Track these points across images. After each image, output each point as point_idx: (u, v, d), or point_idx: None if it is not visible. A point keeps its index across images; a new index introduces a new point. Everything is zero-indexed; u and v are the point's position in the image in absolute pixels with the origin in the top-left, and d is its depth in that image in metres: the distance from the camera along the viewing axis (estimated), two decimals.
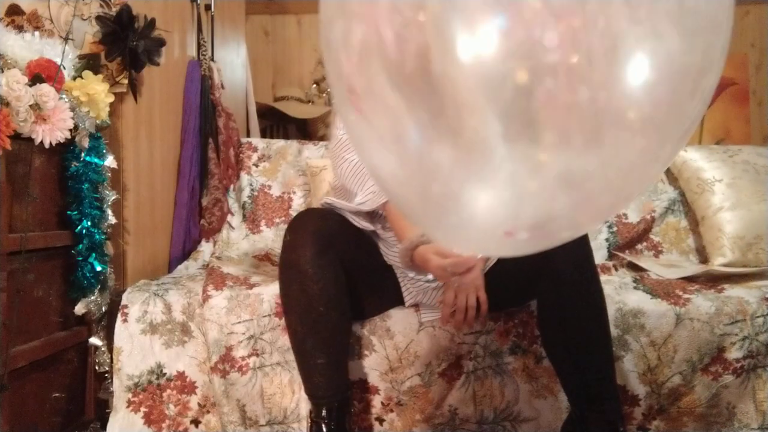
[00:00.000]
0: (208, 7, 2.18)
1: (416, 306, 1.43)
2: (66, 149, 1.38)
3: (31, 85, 1.23)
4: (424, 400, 1.41)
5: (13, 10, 1.44)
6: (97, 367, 1.48)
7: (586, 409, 1.22)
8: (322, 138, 3.06)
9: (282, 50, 3.35)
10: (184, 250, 1.93)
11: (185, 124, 1.96)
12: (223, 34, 2.38)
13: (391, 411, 1.42)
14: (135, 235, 1.67)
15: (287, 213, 2.09)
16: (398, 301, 1.42)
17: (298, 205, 2.11)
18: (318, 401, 1.27)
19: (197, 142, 1.99)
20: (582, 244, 1.22)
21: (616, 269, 1.76)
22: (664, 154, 0.55)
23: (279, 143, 2.28)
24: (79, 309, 1.43)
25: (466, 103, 0.49)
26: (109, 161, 1.47)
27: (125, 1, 1.51)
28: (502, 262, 1.29)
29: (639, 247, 1.98)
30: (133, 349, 1.44)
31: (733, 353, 1.38)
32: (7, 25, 1.40)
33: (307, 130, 3.18)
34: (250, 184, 2.14)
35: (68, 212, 1.39)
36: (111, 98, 1.47)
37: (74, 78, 1.42)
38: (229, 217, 2.08)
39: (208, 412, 1.45)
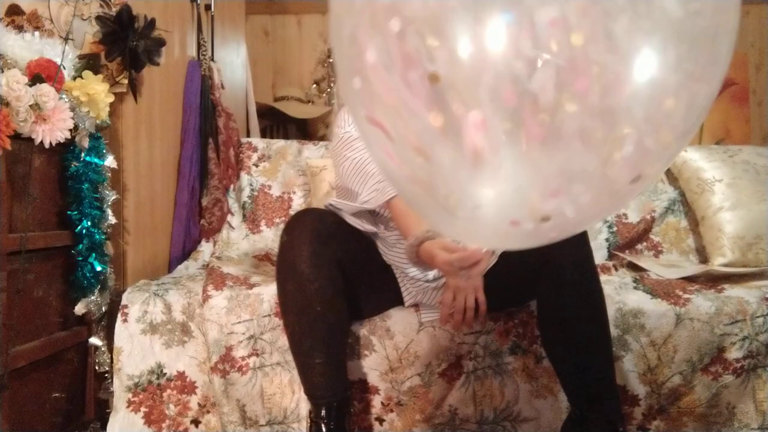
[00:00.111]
0: (208, 7, 2.18)
1: (416, 306, 1.43)
2: (66, 149, 1.38)
3: (31, 85, 1.23)
4: (424, 400, 1.41)
5: (13, 10, 1.44)
6: (97, 367, 1.48)
7: (586, 409, 1.22)
8: (322, 138, 3.06)
9: (282, 50, 3.35)
10: (184, 250, 1.93)
11: (185, 124, 1.96)
12: (223, 34, 2.38)
13: (391, 411, 1.42)
14: (135, 235, 1.67)
15: (287, 213, 2.09)
16: (398, 301, 1.42)
17: (298, 205, 2.11)
18: (317, 401, 1.27)
19: (197, 142, 1.99)
20: (582, 244, 1.22)
21: (616, 269, 1.76)
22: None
23: (279, 143, 2.28)
24: (79, 309, 1.43)
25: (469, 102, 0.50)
26: (109, 161, 1.47)
27: (125, 1, 1.51)
28: (502, 263, 1.29)
29: (639, 247, 1.98)
30: (133, 349, 1.44)
31: (733, 353, 1.38)
32: (7, 25, 1.40)
33: (307, 130, 3.19)
34: (250, 184, 2.14)
35: (68, 212, 1.39)
36: (111, 98, 1.47)
37: (74, 78, 1.42)
38: (229, 217, 2.08)
39: (208, 412, 1.45)
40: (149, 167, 1.76)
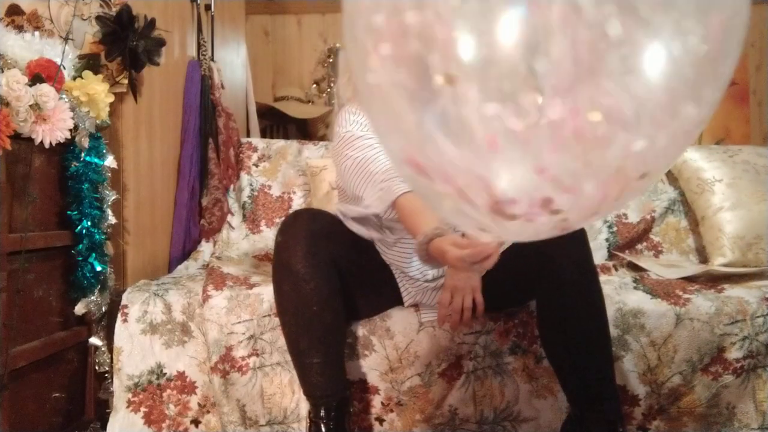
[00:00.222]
0: (208, 7, 2.18)
1: (416, 306, 1.43)
2: (66, 149, 1.38)
3: (31, 85, 1.23)
4: (424, 400, 1.41)
5: (13, 10, 1.44)
6: (97, 367, 1.48)
7: (585, 409, 1.22)
8: (322, 138, 3.06)
9: (282, 50, 3.35)
10: (184, 250, 1.93)
11: (185, 124, 1.96)
12: (223, 34, 2.38)
13: (391, 411, 1.42)
14: (135, 235, 1.67)
15: (287, 213, 2.09)
16: (397, 301, 1.42)
17: (298, 205, 2.11)
18: (316, 401, 1.27)
19: (197, 142, 1.99)
20: (581, 244, 1.22)
21: (616, 269, 1.76)
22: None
23: (279, 143, 2.28)
24: (79, 309, 1.43)
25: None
26: (109, 161, 1.47)
27: (125, 1, 1.51)
28: (501, 263, 1.29)
29: (639, 247, 1.98)
30: (133, 349, 1.44)
31: (733, 353, 1.38)
32: (7, 25, 1.40)
33: (307, 130, 3.19)
34: (250, 184, 2.14)
35: (68, 212, 1.39)
36: (111, 98, 1.47)
37: (74, 78, 1.42)
38: (229, 217, 2.08)
39: (208, 412, 1.45)
40: (149, 167, 1.76)
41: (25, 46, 1.32)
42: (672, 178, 2.07)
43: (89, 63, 1.47)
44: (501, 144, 0.51)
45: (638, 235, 1.98)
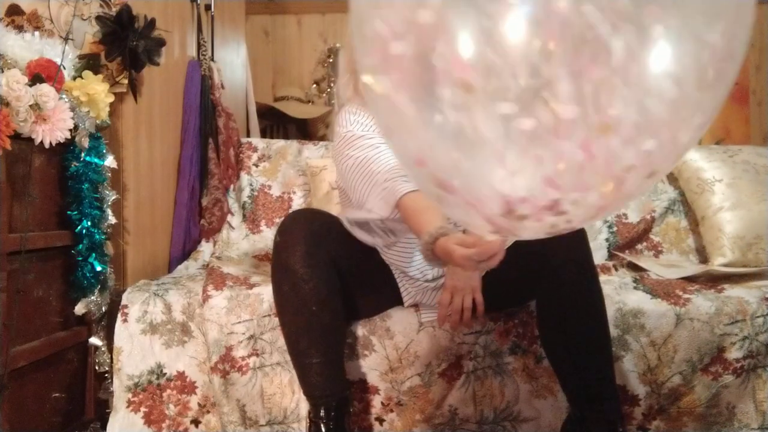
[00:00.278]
0: (208, 7, 2.18)
1: (416, 306, 1.43)
2: (66, 149, 1.38)
3: (31, 85, 1.23)
4: (424, 400, 1.41)
5: (13, 10, 1.44)
6: (97, 367, 1.48)
7: (586, 409, 1.22)
8: (322, 138, 3.06)
9: (282, 50, 3.35)
10: (184, 250, 1.92)
11: (185, 124, 1.96)
12: (223, 34, 2.38)
13: (391, 411, 1.42)
14: (135, 235, 1.67)
15: (287, 213, 2.09)
16: (397, 301, 1.42)
17: (298, 205, 2.11)
18: (316, 401, 1.27)
19: (197, 142, 1.99)
20: (581, 244, 1.22)
21: (616, 269, 1.76)
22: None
23: (279, 143, 2.28)
24: (79, 309, 1.43)
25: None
26: (109, 161, 1.47)
27: (125, 1, 1.51)
28: (502, 262, 1.28)
29: (639, 247, 1.98)
30: (133, 349, 1.44)
31: (733, 353, 1.38)
32: (7, 25, 1.40)
33: (307, 130, 3.19)
34: (250, 184, 2.14)
35: (68, 212, 1.39)
36: (111, 98, 1.47)
37: (74, 78, 1.42)
38: (229, 217, 2.08)
39: (208, 412, 1.45)
40: (149, 167, 1.76)
41: (25, 46, 1.32)
42: (672, 178, 2.07)
43: (89, 63, 1.47)
44: (513, 145, 0.52)
45: (638, 235, 1.98)
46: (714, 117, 0.57)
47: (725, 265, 1.76)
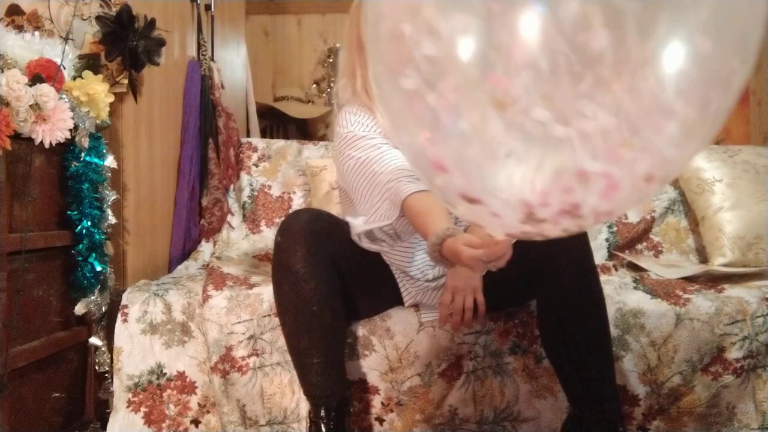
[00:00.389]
0: (208, 7, 2.18)
1: (416, 306, 1.43)
2: (66, 149, 1.38)
3: (31, 85, 1.23)
4: (424, 400, 1.41)
5: (13, 10, 1.44)
6: (97, 367, 1.48)
7: (586, 408, 1.22)
8: (322, 138, 3.06)
9: (282, 50, 3.35)
10: (184, 250, 1.92)
11: (185, 124, 1.96)
12: (223, 34, 2.38)
13: (391, 411, 1.42)
14: (135, 235, 1.67)
15: (287, 213, 2.09)
16: (397, 301, 1.42)
17: (298, 205, 2.11)
18: (316, 401, 1.27)
19: (197, 142, 1.99)
20: (582, 244, 1.22)
21: (616, 269, 1.76)
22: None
23: (279, 143, 2.28)
24: (79, 309, 1.43)
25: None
26: (109, 161, 1.47)
27: (125, 1, 1.51)
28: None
29: (639, 247, 1.98)
30: (133, 349, 1.44)
31: (733, 353, 1.38)
32: (7, 25, 1.40)
33: (307, 130, 3.19)
34: (250, 184, 2.14)
35: (68, 212, 1.39)
36: (111, 98, 1.47)
37: (74, 78, 1.42)
38: (229, 217, 2.08)
39: (208, 412, 1.45)
40: (149, 167, 1.76)
41: (25, 46, 1.32)
42: None
43: (89, 63, 1.47)
44: (539, 150, 0.52)
45: (638, 235, 1.98)
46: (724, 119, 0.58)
47: (725, 265, 1.76)
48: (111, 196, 1.47)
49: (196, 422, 1.45)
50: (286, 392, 1.42)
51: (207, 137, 2.02)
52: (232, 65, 2.55)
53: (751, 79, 3.12)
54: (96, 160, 1.42)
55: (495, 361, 1.41)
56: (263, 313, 1.42)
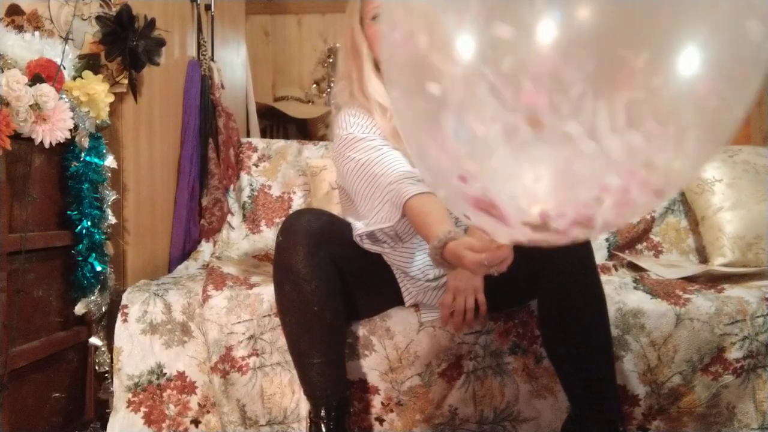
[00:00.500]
0: (208, 7, 2.18)
1: (416, 306, 1.43)
2: (66, 149, 1.38)
3: (31, 85, 1.23)
4: (424, 400, 1.41)
5: (13, 10, 1.44)
6: (97, 367, 1.48)
7: (586, 408, 1.22)
8: (322, 138, 3.06)
9: (282, 50, 3.35)
10: (184, 250, 1.92)
11: (185, 124, 1.96)
12: (223, 34, 2.38)
13: (391, 411, 1.42)
14: (135, 235, 1.67)
15: (287, 213, 2.09)
16: (398, 301, 1.42)
17: (298, 205, 2.11)
18: (316, 401, 1.27)
19: (197, 142, 1.99)
20: (582, 244, 1.22)
21: (616, 269, 1.76)
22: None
23: (279, 143, 2.28)
24: (79, 309, 1.43)
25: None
26: (109, 161, 1.47)
27: (125, 1, 1.51)
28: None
29: (639, 247, 1.98)
30: (133, 349, 1.44)
31: (733, 353, 1.38)
32: (7, 25, 1.40)
33: (307, 130, 3.19)
34: (250, 184, 2.14)
35: (68, 212, 1.39)
36: (111, 98, 1.47)
37: (74, 78, 1.42)
38: (229, 217, 2.08)
39: (208, 412, 1.45)
40: (149, 167, 1.76)
41: (25, 46, 1.32)
42: None
43: (89, 63, 1.47)
44: (567, 161, 0.53)
45: (638, 235, 1.98)
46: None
47: (725, 265, 1.76)
48: (111, 196, 1.47)
49: (196, 422, 1.45)
50: (286, 392, 1.42)
51: (207, 137, 2.02)
52: (232, 65, 2.55)
53: None
54: (96, 160, 1.42)
55: (495, 361, 1.41)
56: (263, 313, 1.42)
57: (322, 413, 1.26)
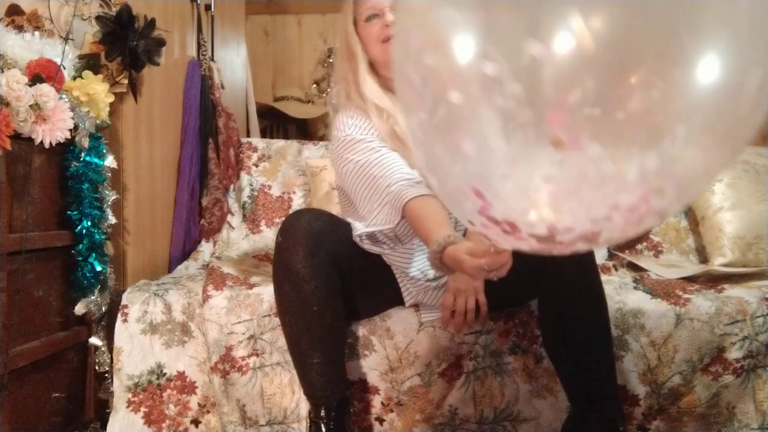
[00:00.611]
0: (208, 7, 2.18)
1: (416, 306, 1.43)
2: (66, 149, 1.38)
3: (31, 85, 1.23)
4: (424, 400, 1.41)
5: (13, 10, 1.44)
6: (97, 367, 1.48)
7: (586, 408, 1.22)
8: (322, 138, 3.06)
9: (282, 50, 3.35)
10: (184, 250, 1.92)
11: (185, 124, 1.96)
12: (223, 34, 2.38)
13: (391, 411, 1.42)
14: (135, 235, 1.67)
15: (287, 213, 2.09)
16: (398, 301, 1.42)
17: (298, 205, 2.12)
18: (316, 401, 1.27)
19: (197, 142, 1.99)
20: None
21: (616, 269, 1.76)
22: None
23: (279, 143, 2.28)
24: (79, 309, 1.43)
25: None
26: (109, 161, 1.47)
27: (125, 1, 1.51)
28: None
29: (639, 247, 1.98)
30: (133, 349, 1.44)
31: (733, 353, 1.38)
32: (7, 25, 1.40)
33: (307, 130, 3.19)
34: (250, 184, 2.14)
35: (68, 212, 1.39)
36: (111, 98, 1.47)
37: (74, 78, 1.42)
38: (229, 217, 2.08)
39: (208, 412, 1.45)
40: (149, 167, 1.76)
41: (25, 46, 1.32)
42: None
43: (89, 63, 1.47)
44: (580, 179, 0.53)
45: (638, 235, 1.98)
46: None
47: (725, 265, 1.76)
48: (111, 196, 1.47)
49: (196, 422, 1.45)
50: (286, 392, 1.42)
51: (207, 137, 2.02)
52: (232, 65, 2.55)
53: None
54: (96, 160, 1.42)
55: (495, 361, 1.41)
56: (263, 313, 1.42)
57: (322, 413, 1.26)
